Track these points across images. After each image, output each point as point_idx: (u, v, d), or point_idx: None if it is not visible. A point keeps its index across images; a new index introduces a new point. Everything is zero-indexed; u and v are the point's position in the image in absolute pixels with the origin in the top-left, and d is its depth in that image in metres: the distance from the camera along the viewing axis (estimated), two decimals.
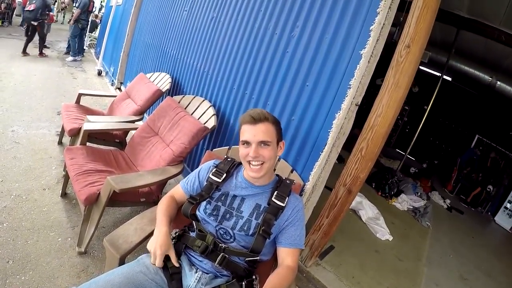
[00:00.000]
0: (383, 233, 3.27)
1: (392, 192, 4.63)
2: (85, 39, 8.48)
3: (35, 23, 6.75)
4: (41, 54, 7.01)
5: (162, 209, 1.35)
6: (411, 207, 4.49)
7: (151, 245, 1.17)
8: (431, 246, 3.57)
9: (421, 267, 3.01)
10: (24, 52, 6.69)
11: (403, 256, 3.06)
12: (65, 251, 1.88)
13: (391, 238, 3.27)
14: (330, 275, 2.29)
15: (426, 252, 3.37)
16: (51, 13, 7.65)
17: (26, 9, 6.81)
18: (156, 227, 1.24)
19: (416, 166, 6.78)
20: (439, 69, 6.06)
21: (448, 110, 7.97)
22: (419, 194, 4.90)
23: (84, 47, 8.89)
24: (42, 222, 2.06)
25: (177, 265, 1.18)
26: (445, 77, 5.85)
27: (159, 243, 1.16)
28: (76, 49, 7.54)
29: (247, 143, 1.24)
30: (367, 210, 3.50)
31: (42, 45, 7.03)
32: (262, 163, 1.24)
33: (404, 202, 4.50)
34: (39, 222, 2.05)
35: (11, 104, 3.82)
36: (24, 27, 8.43)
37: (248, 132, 1.23)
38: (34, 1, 6.66)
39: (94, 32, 10.03)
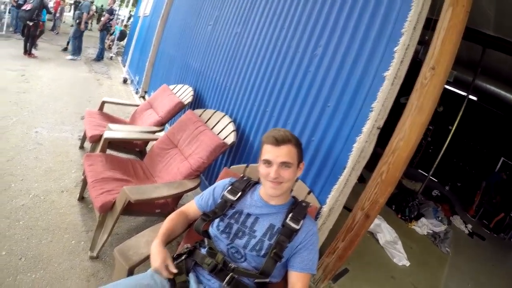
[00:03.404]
0: (400, 258, 3.16)
1: (412, 216, 4.48)
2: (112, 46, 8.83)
3: (31, 23, 6.66)
4: (30, 54, 6.67)
5: (164, 223, 1.36)
6: (431, 232, 4.32)
7: (151, 262, 1.18)
8: (449, 274, 3.41)
9: None
10: (26, 52, 6.60)
11: (420, 283, 2.94)
12: (77, 254, 1.90)
13: (408, 264, 3.15)
14: None
15: (444, 280, 3.23)
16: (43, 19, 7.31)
17: (22, 8, 6.75)
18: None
19: (439, 189, 6.55)
20: (465, 88, 5.90)
21: (473, 131, 7.73)
22: (440, 218, 4.71)
23: (112, 54, 9.24)
24: (57, 224, 2.09)
25: (175, 271, 1.16)
26: (470, 96, 5.68)
27: (154, 257, 1.17)
28: (76, 49, 7.80)
29: (268, 162, 1.23)
30: (385, 233, 3.39)
31: (32, 45, 6.80)
32: (281, 183, 1.24)
33: (424, 226, 4.34)
34: (55, 223, 2.09)
35: (36, 106, 3.95)
36: (13, 29, 8.72)
37: (271, 153, 1.23)
38: (31, 1, 6.63)
39: (122, 41, 10.40)
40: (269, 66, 2.32)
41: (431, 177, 6.07)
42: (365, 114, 1.59)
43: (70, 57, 7.70)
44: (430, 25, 1.73)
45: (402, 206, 4.62)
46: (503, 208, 6.30)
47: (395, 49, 1.53)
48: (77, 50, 7.90)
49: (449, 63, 1.54)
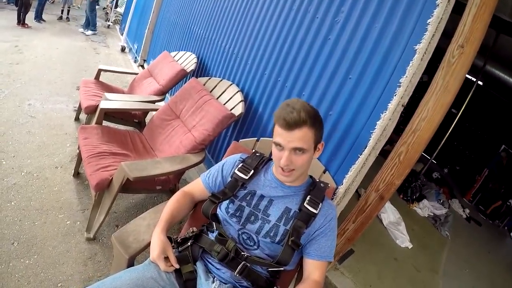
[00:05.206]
0: (403, 239, 3.14)
1: (414, 197, 4.45)
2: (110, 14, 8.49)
3: None
4: (23, 24, 6.34)
5: (167, 206, 1.22)
6: (432, 214, 4.31)
7: (150, 252, 1.07)
8: (448, 258, 3.43)
9: (437, 279, 2.90)
10: (20, 22, 6.30)
11: (421, 266, 2.95)
12: (73, 235, 1.80)
13: (410, 246, 3.15)
14: (348, 281, 2.18)
15: (443, 265, 3.25)
16: None
17: None
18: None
19: (438, 171, 6.51)
20: (473, 73, 5.74)
21: (476, 116, 7.58)
22: (441, 201, 4.69)
23: (109, 23, 8.94)
24: (51, 203, 1.98)
25: (177, 266, 1.05)
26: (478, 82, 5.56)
27: (152, 247, 1.06)
28: (96, 23, 7.49)
29: (279, 146, 1.07)
30: (389, 213, 3.35)
31: (25, 14, 6.42)
32: (293, 170, 1.09)
33: (425, 208, 4.31)
34: (49, 202, 1.98)
35: (30, 77, 3.77)
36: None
37: (282, 136, 1.05)
38: None
39: (119, 8, 9.99)
40: (283, 33, 2.12)
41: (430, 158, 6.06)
42: (392, 89, 1.45)
43: (90, 32, 7.42)
44: None
45: (404, 186, 4.57)
46: (501, 196, 6.30)
47: (428, 21, 1.38)
48: (95, 24, 7.61)
49: (478, 42, 1.40)
